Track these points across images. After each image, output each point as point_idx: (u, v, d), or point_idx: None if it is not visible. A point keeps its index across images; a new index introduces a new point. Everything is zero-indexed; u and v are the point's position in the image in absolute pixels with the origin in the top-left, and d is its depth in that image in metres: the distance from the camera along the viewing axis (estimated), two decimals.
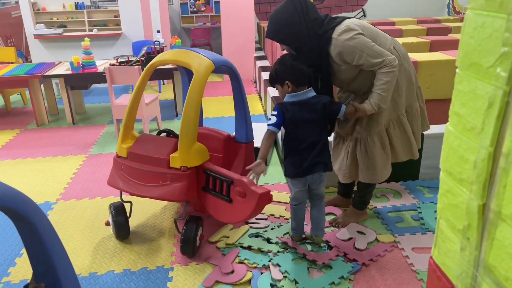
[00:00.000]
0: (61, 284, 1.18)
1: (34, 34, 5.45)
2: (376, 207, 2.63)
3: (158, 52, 4.34)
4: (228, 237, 2.36)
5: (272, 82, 2.14)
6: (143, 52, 4.30)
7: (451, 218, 0.69)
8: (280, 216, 2.57)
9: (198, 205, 2.37)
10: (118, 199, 2.70)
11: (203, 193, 2.19)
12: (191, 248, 2.18)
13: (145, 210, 2.69)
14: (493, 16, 0.58)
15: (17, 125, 4.45)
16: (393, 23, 6.30)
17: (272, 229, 2.43)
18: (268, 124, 2.03)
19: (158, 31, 5.05)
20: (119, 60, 4.29)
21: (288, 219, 2.53)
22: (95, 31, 5.92)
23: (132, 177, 2.22)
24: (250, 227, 2.45)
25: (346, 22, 2.02)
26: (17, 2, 5.82)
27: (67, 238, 2.43)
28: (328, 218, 2.53)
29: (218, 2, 7.29)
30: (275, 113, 2.04)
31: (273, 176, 3.13)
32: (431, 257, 0.89)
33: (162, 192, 2.13)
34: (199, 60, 2.17)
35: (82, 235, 2.46)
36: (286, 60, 2.08)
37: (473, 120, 0.64)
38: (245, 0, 5.73)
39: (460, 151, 0.66)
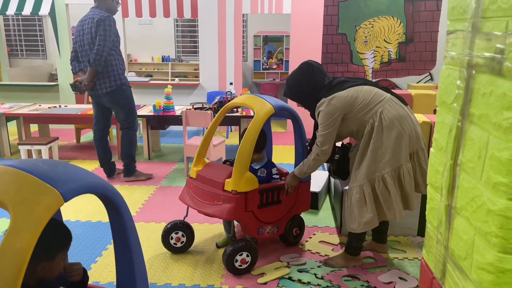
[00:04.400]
0: (134, 271, 1.48)
1: None
2: None
3: (229, 101, 4.82)
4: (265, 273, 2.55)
5: (261, 149, 2.74)
6: (216, 100, 4.81)
7: (431, 219, 0.88)
8: (325, 255, 2.74)
9: (246, 229, 2.64)
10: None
11: (259, 210, 2.57)
12: (227, 264, 2.49)
13: (207, 232, 2.99)
14: (453, 68, 0.82)
15: None
16: None
17: (318, 266, 2.60)
18: (278, 177, 2.76)
19: (231, 83, 5.60)
20: (194, 106, 4.83)
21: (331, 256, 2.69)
22: (176, 80, 6.66)
23: (196, 195, 2.63)
24: (290, 264, 2.63)
25: (332, 96, 2.34)
26: None
27: None
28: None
29: (288, 60, 7.86)
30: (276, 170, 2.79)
31: (322, 220, 3.31)
32: (422, 258, 1.07)
33: (214, 210, 2.50)
34: (261, 105, 2.56)
35: (146, 252, 2.79)
36: (263, 133, 2.69)
37: (442, 142, 0.85)
38: (313, 59, 6.17)
39: (435, 166, 0.87)
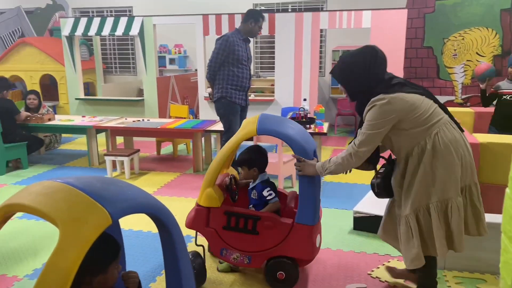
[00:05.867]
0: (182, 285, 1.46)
1: (204, 96, 6.50)
2: None
3: (302, 118, 4.74)
4: None
5: (242, 163, 2.65)
6: (288, 116, 4.76)
7: (505, 274, 0.72)
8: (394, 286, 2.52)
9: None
10: None
11: (224, 231, 2.54)
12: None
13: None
14: None
15: (179, 169, 5.28)
16: None
17: None
18: (273, 198, 2.57)
19: (304, 99, 5.52)
20: None
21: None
22: (252, 96, 6.74)
23: None
24: None
25: (395, 95, 2.02)
26: (196, 70, 7.07)
27: None
28: None
29: None
30: (270, 190, 2.57)
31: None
32: None
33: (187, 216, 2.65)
34: (247, 125, 2.55)
35: None
36: (256, 149, 2.68)
37: None
38: (394, 73, 5.87)
39: (511, 211, 0.71)
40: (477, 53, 7.60)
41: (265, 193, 2.56)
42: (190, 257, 2.50)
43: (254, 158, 2.65)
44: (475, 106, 7.09)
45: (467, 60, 7.67)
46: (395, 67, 5.80)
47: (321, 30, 6.96)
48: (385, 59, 2.16)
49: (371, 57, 2.13)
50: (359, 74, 2.13)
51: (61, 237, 1.07)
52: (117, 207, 1.19)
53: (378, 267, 2.77)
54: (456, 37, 7.65)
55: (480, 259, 2.59)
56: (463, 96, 7.79)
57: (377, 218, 3.23)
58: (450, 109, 6.03)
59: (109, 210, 1.16)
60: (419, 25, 7.68)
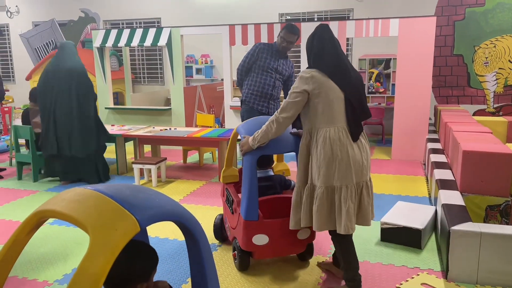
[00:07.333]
0: None
1: (230, 105, 6.55)
2: None
3: None
4: None
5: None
6: None
7: None
8: None
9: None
10: None
11: (225, 203, 3.15)
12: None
13: None
14: None
15: (205, 177, 5.32)
16: None
17: None
18: None
19: None
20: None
21: None
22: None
23: None
24: None
25: (314, 71, 2.30)
26: (222, 79, 7.15)
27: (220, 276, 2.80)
28: None
29: (394, 84, 7.45)
30: None
31: (426, 261, 2.97)
32: None
33: None
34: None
35: (227, 273, 2.79)
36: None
37: None
38: (422, 82, 5.76)
39: None
40: (509, 60, 7.39)
41: None
42: (217, 216, 3.31)
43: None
44: (508, 115, 6.87)
45: (499, 68, 7.47)
46: (424, 75, 5.71)
47: (348, 39, 6.93)
48: (331, 40, 2.37)
49: (316, 31, 2.42)
50: (307, 45, 2.46)
51: (91, 243, 1.09)
52: (145, 215, 1.20)
53: (407, 280, 2.70)
54: (487, 45, 7.46)
55: None
56: (495, 105, 7.57)
57: (406, 230, 3.16)
58: (482, 118, 5.85)
59: (138, 217, 1.17)
60: (448, 32, 7.53)
